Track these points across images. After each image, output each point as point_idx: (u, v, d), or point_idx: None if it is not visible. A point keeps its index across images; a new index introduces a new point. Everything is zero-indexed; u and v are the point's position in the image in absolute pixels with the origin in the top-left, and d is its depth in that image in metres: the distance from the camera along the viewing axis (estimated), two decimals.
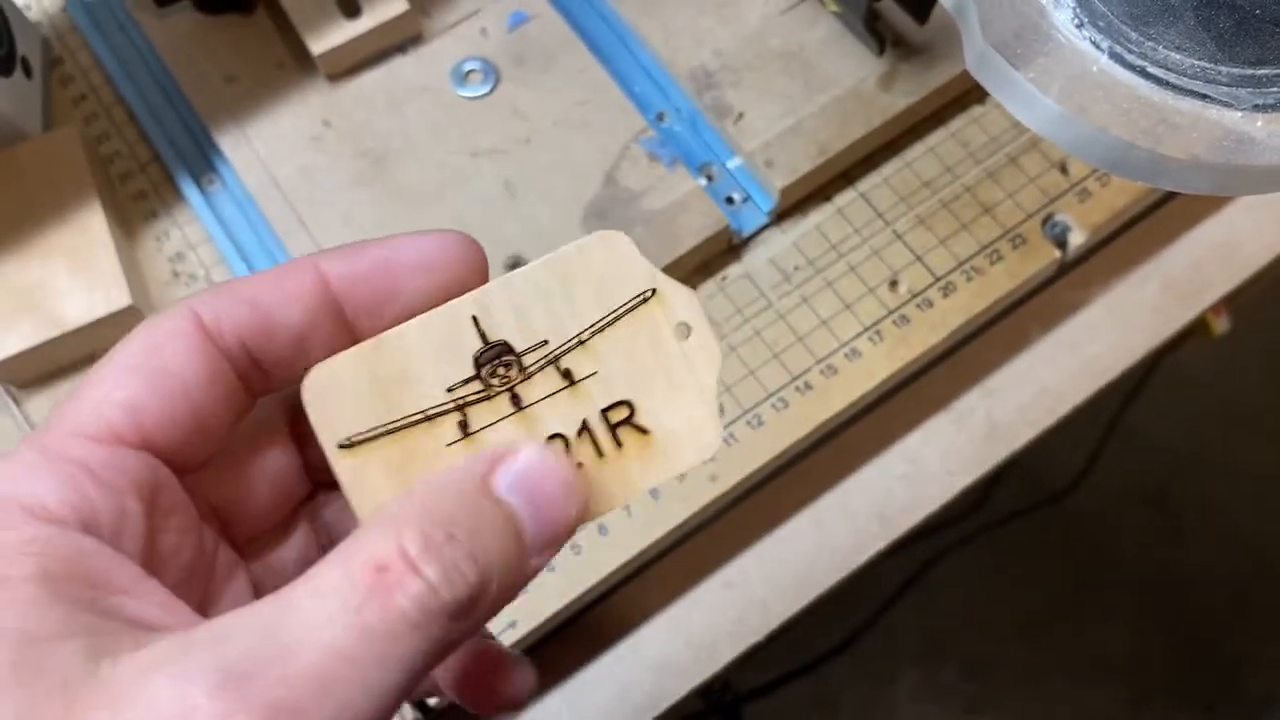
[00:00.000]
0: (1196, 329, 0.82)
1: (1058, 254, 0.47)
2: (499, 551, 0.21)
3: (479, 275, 0.24)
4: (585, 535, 0.43)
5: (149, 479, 0.22)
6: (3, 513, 0.20)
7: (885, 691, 1.18)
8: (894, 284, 0.46)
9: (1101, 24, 0.29)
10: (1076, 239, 0.47)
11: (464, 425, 0.24)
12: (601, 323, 0.24)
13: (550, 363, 0.24)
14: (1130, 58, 0.29)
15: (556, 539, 0.22)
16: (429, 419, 0.24)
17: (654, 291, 0.24)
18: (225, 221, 0.47)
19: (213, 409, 0.23)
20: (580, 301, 0.24)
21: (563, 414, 0.24)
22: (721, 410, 0.44)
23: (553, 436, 0.24)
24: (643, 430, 0.24)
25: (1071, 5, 0.29)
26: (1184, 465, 1.26)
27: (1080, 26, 0.29)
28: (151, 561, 0.22)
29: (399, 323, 0.24)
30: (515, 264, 0.45)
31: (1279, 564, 1.22)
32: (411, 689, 0.19)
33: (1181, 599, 1.21)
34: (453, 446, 0.24)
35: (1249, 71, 0.29)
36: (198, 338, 0.22)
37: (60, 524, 0.20)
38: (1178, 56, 0.29)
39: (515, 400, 0.24)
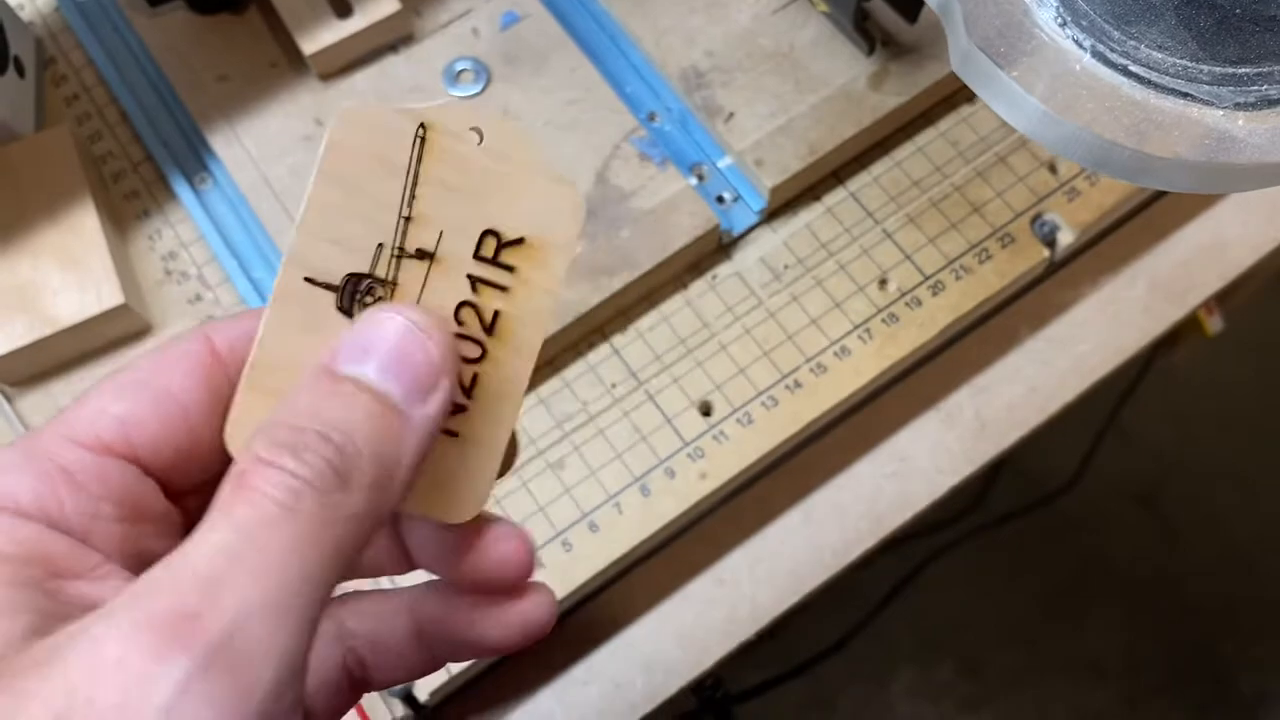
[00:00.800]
0: (1191, 329, 0.82)
1: (1046, 253, 0.47)
2: (356, 420, 0.21)
3: None
4: (575, 533, 0.43)
5: (130, 489, 0.22)
6: None
7: (880, 692, 1.18)
8: (883, 283, 0.46)
9: (1084, 23, 0.30)
10: (1065, 238, 0.47)
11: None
12: (406, 189, 0.23)
13: (399, 256, 0.23)
14: (1113, 56, 0.29)
15: (430, 380, 0.22)
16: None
17: (424, 126, 0.23)
18: (217, 220, 0.47)
19: (211, 433, 0.23)
20: (375, 188, 0.23)
21: (447, 287, 0.24)
22: (702, 407, 0.44)
23: (458, 309, 0.24)
24: (517, 241, 0.24)
25: (1054, 4, 0.30)
26: (1177, 467, 1.26)
27: (1063, 25, 0.30)
28: (132, 562, 0.22)
29: None
30: None
31: (1271, 565, 1.22)
32: (323, 576, 0.19)
33: (1174, 599, 1.21)
34: None
35: (1230, 70, 0.29)
36: (207, 363, 0.23)
37: (25, 517, 0.21)
38: (1159, 55, 0.29)
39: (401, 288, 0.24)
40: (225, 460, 0.24)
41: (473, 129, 0.23)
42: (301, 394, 0.21)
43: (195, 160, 0.48)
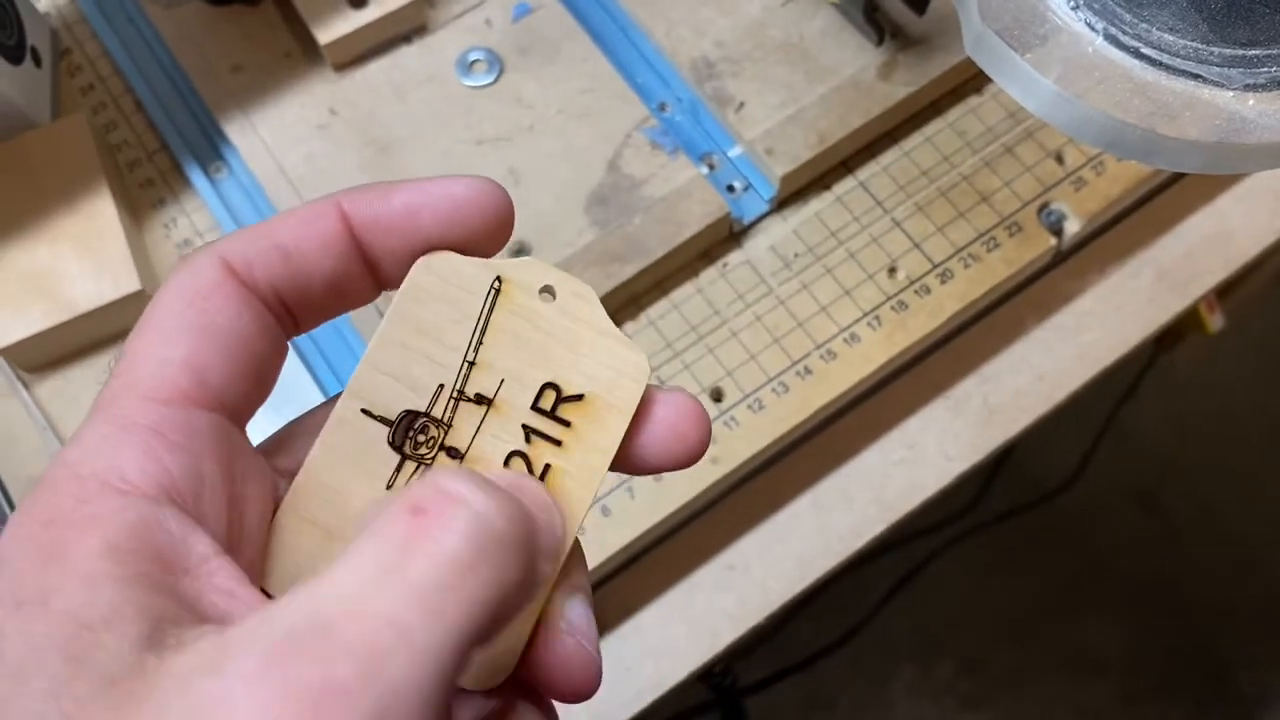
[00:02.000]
0: (1192, 325, 0.83)
1: (1053, 241, 0.47)
2: (540, 501, 0.20)
3: (506, 226, 0.23)
4: (587, 518, 0.44)
5: (225, 440, 0.21)
6: (78, 486, 0.19)
7: (881, 689, 1.19)
8: (892, 271, 0.47)
9: (1096, 6, 0.30)
10: (1072, 227, 0.48)
11: None
12: (474, 336, 0.23)
13: (458, 399, 0.23)
14: (1125, 39, 0.30)
15: (558, 550, 0.22)
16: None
17: (499, 279, 0.23)
18: (232, 208, 0.48)
19: (265, 356, 0.22)
20: (444, 332, 0.23)
21: (501, 434, 0.23)
22: (714, 393, 0.44)
23: (509, 459, 0.23)
24: (577, 397, 0.23)
25: None
26: (1176, 465, 1.27)
27: (1076, 9, 0.30)
28: (235, 533, 0.21)
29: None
30: (520, 251, 0.45)
31: (1270, 563, 1.23)
32: (473, 652, 0.17)
33: (1174, 598, 1.22)
34: None
35: (1240, 52, 0.29)
36: (236, 285, 0.21)
37: (141, 495, 0.19)
38: (1171, 38, 0.30)
39: (452, 453, 0.23)
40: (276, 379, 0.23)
41: (545, 287, 0.24)
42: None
43: (210, 149, 0.49)
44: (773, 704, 1.05)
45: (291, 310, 0.22)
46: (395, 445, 0.23)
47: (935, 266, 0.47)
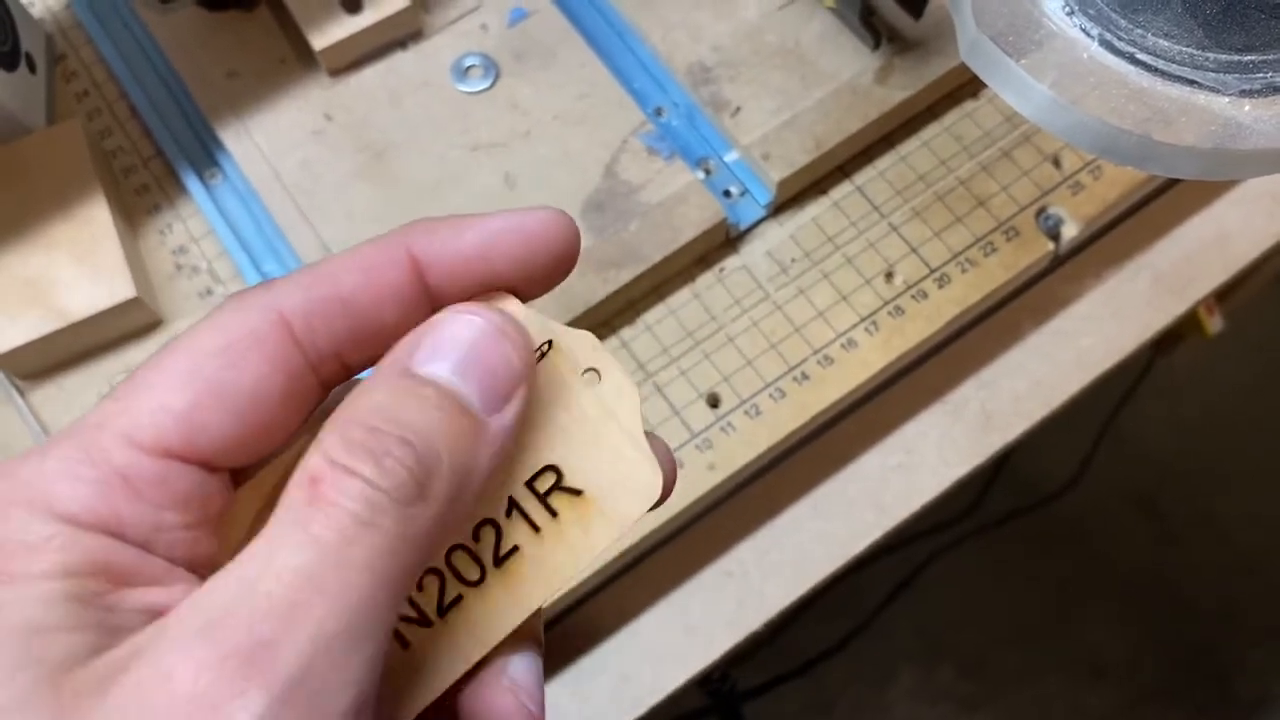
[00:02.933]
0: (1192, 328, 0.83)
1: (1051, 246, 0.47)
2: (439, 423, 0.19)
3: (573, 259, 0.23)
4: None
5: (197, 491, 0.20)
6: (29, 511, 0.19)
7: (881, 692, 1.18)
8: (890, 276, 0.47)
9: (1091, 11, 0.30)
10: (1069, 231, 0.48)
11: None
12: None
13: None
14: (1120, 45, 0.30)
15: (509, 389, 0.21)
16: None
17: (550, 344, 0.22)
18: (228, 214, 0.48)
19: (285, 420, 0.21)
20: None
21: (487, 500, 0.22)
22: (710, 399, 0.44)
23: (480, 526, 0.22)
24: (575, 491, 0.22)
25: None
26: (1176, 468, 1.27)
27: (1071, 14, 0.30)
28: (201, 567, 0.20)
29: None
30: None
31: (1270, 567, 1.22)
32: (394, 598, 0.18)
33: (1174, 601, 1.22)
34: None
35: (1236, 58, 0.29)
36: (284, 346, 0.20)
37: (83, 529, 0.19)
38: (1166, 43, 0.30)
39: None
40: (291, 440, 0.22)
41: (592, 369, 0.22)
42: (375, 392, 0.20)
43: (205, 155, 0.49)
44: (771, 709, 1.05)
45: (346, 361, 0.22)
46: None
47: (932, 271, 0.47)
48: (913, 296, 0.46)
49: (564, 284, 0.23)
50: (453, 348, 0.20)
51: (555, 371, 0.22)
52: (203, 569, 0.20)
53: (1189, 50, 0.29)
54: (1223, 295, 0.57)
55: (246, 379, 0.20)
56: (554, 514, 0.22)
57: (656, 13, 0.49)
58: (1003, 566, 1.20)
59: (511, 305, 0.22)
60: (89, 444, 0.20)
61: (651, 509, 0.22)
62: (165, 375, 0.20)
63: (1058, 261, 0.50)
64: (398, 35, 0.49)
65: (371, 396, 0.20)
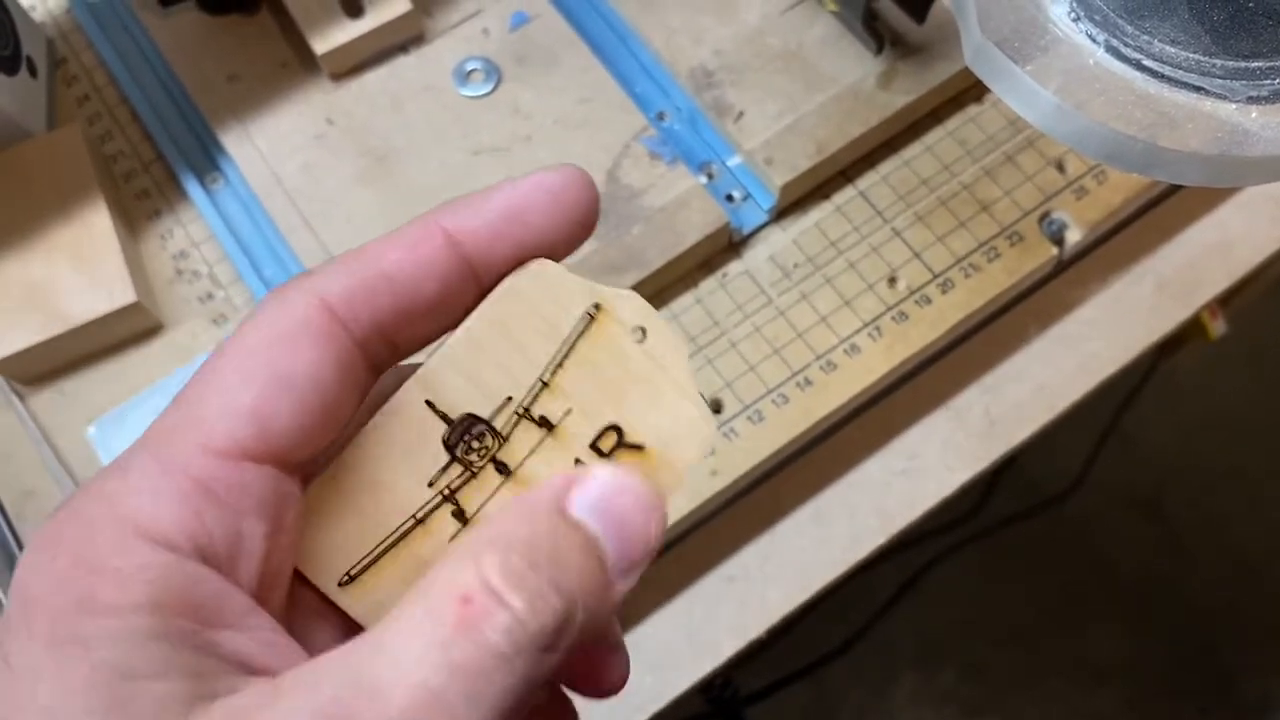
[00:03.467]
0: (1194, 332, 0.82)
1: (1055, 251, 0.47)
2: (582, 575, 0.19)
3: (596, 213, 0.23)
4: None
5: (273, 495, 0.20)
6: (118, 535, 0.19)
7: (883, 696, 1.18)
8: (893, 281, 0.47)
9: (1097, 18, 0.30)
10: (1073, 236, 0.47)
11: (459, 514, 0.23)
12: (557, 357, 0.23)
13: (522, 416, 0.23)
14: (1126, 51, 0.29)
15: (639, 560, 0.21)
16: (419, 522, 0.23)
17: (598, 306, 0.23)
18: (229, 219, 0.48)
19: (342, 404, 0.21)
20: (528, 343, 0.23)
21: (553, 462, 0.23)
22: (713, 405, 0.44)
23: None
24: (637, 447, 0.23)
25: None
26: (1179, 471, 1.27)
27: (1076, 20, 0.30)
28: (268, 584, 0.21)
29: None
30: None
31: (1273, 570, 1.22)
32: None
33: (1177, 604, 1.22)
34: (456, 539, 0.23)
35: (1243, 64, 0.29)
36: (330, 328, 0.21)
37: (175, 550, 0.19)
38: (1172, 50, 0.29)
39: (501, 468, 0.23)
40: (349, 433, 0.22)
41: (639, 327, 0.23)
42: (531, 525, 0.20)
43: (206, 159, 0.49)
44: (773, 713, 1.05)
45: (393, 340, 0.22)
46: (449, 445, 0.23)
47: (936, 276, 0.46)
48: (916, 301, 0.46)
49: None
50: (606, 501, 0.20)
51: (606, 333, 0.23)
52: (279, 590, 0.21)
53: (1196, 56, 0.29)
54: (1226, 299, 0.56)
55: (301, 366, 0.20)
56: None
57: (659, 16, 0.49)
58: (1005, 569, 1.20)
59: (558, 269, 0.23)
60: (165, 457, 0.20)
61: (708, 456, 0.23)
62: (224, 377, 0.20)
63: (1061, 266, 0.50)
64: (399, 39, 0.49)
65: (528, 527, 0.20)
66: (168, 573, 0.18)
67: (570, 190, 0.22)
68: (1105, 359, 0.50)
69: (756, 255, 0.47)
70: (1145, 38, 0.29)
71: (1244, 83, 0.29)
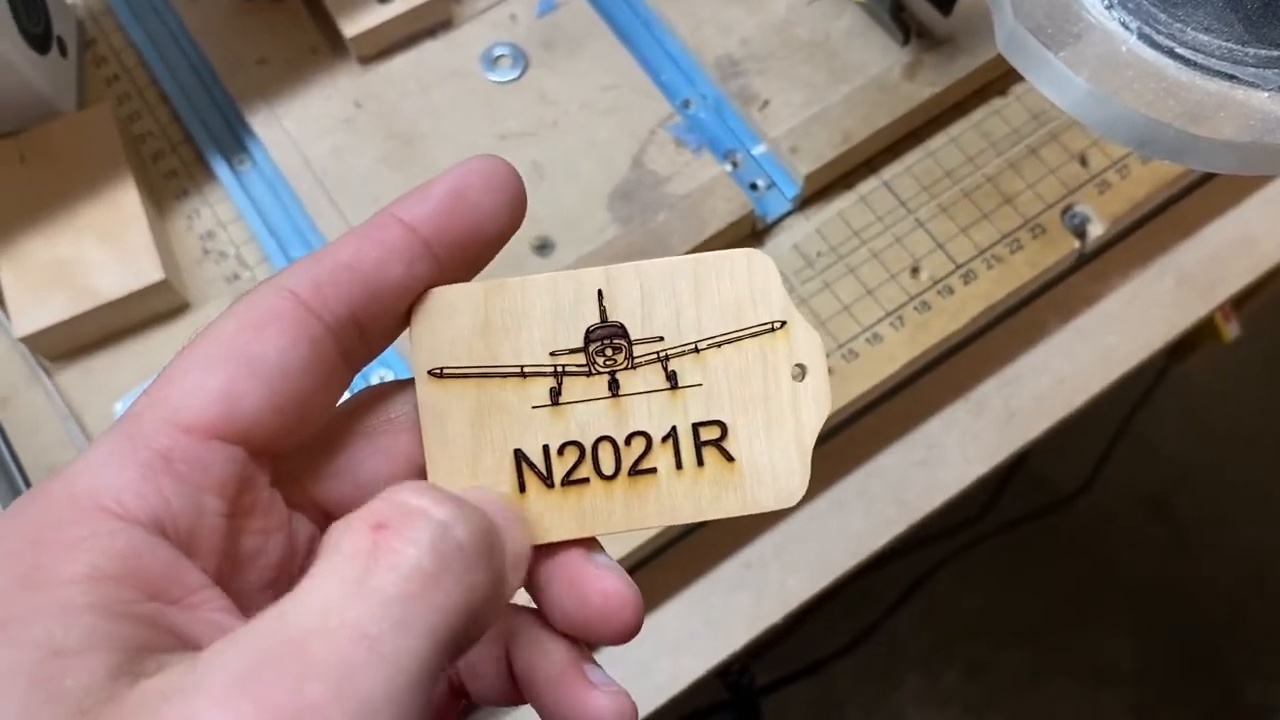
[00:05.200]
0: (1208, 335, 0.82)
1: (1077, 244, 0.47)
2: (500, 506, 0.20)
3: (524, 196, 0.23)
4: None
5: (234, 476, 0.20)
6: (72, 508, 0.19)
7: (889, 695, 1.18)
8: (915, 271, 0.47)
9: (1130, 5, 0.30)
10: (1095, 230, 0.47)
11: (555, 393, 0.23)
12: (722, 337, 0.23)
13: (660, 360, 0.23)
14: (1159, 39, 0.30)
15: (522, 558, 0.21)
16: (524, 375, 0.23)
17: (783, 324, 0.23)
18: (256, 200, 0.48)
19: (314, 393, 0.21)
20: (708, 309, 0.23)
21: (655, 414, 0.23)
22: None
23: (635, 434, 0.23)
24: (729, 456, 0.23)
25: None
26: (1189, 475, 1.26)
27: (1110, 8, 0.30)
28: (228, 566, 0.20)
29: (481, 258, 0.23)
30: (542, 245, 0.45)
31: None
32: (443, 666, 0.17)
33: (1184, 607, 1.21)
34: (538, 410, 0.23)
35: (1275, 53, 0.29)
36: (300, 316, 0.21)
37: (129, 520, 0.19)
38: (1205, 38, 0.30)
39: (613, 385, 0.23)
40: (325, 425, 0.22)
41: (803, 365, 0.23)
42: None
43: (234, 141, 0.49)
44: (781, 709, 1.05)
45: (365, 329, 0.22)
46: (589, 335, 0.23)
47: (958, 267, 0.47)
48: (938, 292, 0.46)
49: None
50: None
51: (772, 349, 0.23)
52: (228, 584, 0.20)
53: (1228, 45, 0.29)
54: (1240, 302, 0.57)
55: (271, 350, 0.20)
56: (700, 464, 0.23)
57: (686, 5, 0.50)
58: (1012, 569, 1.20)
59: (771, 265, 0.23)
60: (131, 432, 0.20)
61: (778, 510, 0.23)
62: (194, 360, 0.20)
63: (1083, 260, 0.50)
64: (428, 24, 0.49)
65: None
66: (114, 541, 0.18)
67: (497, 173, 0.23)
68: (1125, 353, 0.50)
69: (780, 244, 0.47)
70: (1178, 26, 0.30)
71: (1276, 71, 0.29)
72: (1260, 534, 1.23)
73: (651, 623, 0.47)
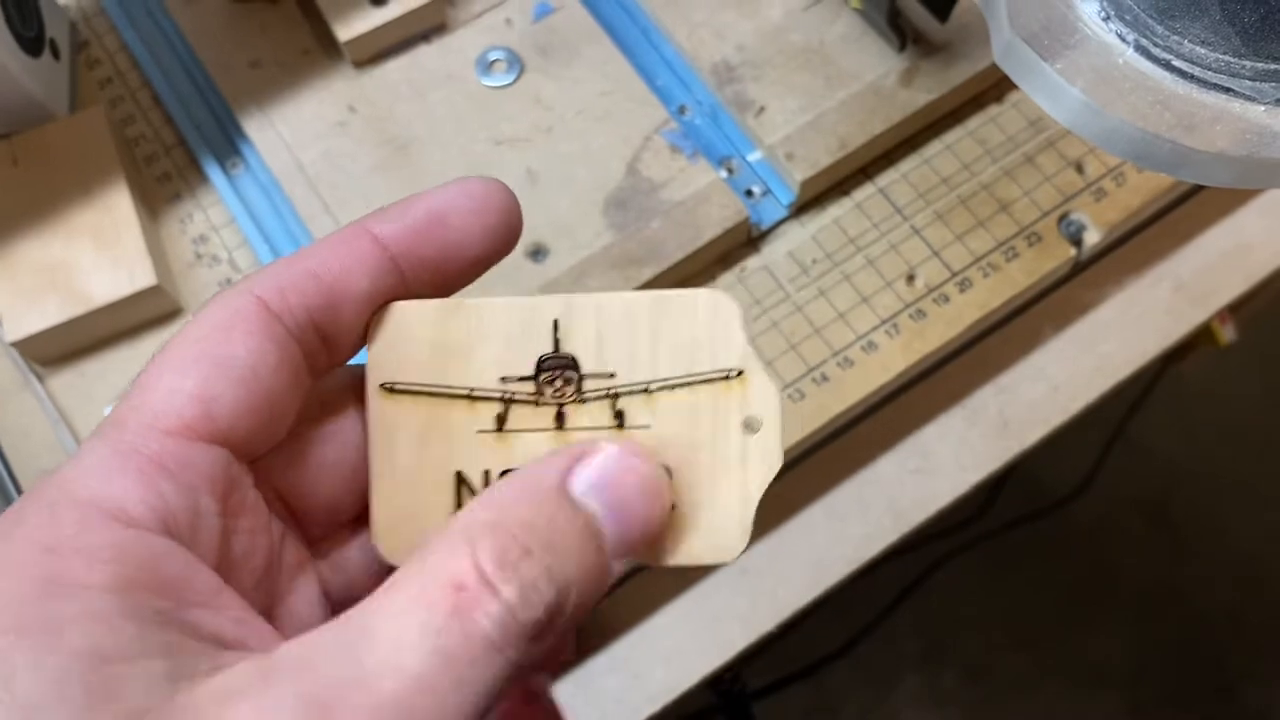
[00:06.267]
0: (1204, 338, 0.82)
1: (1073, 252, 0.47)
2: (577, 563, 0.20)
3: (519, 226, 0.24)
4: None
5: (222, 475, 0.21)
6: (80, 515, 0.19)
7: (885, 697, 1.18)
8: (911, 278, 0.47)
9: (1128, 17, 0.30)
10: (1091, 237, 0.47)
11: (501, 419, 0.23)
12: (674, 381, 0.23)
13: (609, 397, 0.23)
14: (1156, 51, 0.29)
15: (637, 544, 0.21)
16: (472, 399, 0.23)
17: (740, 373, 0.23)
18: (249, 205, 0.48)
19: (282, 393, 0.21)
20: (664, 350, 0.23)
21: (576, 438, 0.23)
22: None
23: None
24: (670, 506, 0.23)
25: None
26: (1185, 477, 1.26)
27: (1107, 19, 0.30)
28: (225, 566, 0.21)
29: (456, 279, 0.23)
30: (536, 251, 0.45)
31: (1278, 577, 1.22)
32: (484, 715, 0.18)
33: (1181, 610, 1.21)
34: (483, 435, 0.23)
35: (1273, 66, 0.29)
36: (264, 318, 0.21)
37: (140, 528, 0.19)
38: (1203, 50, 0.29)
39: (559, 418, 0.23)
40: (296, 423, 0.23)
41: (756, 418, 0.23)
42: (530, 505, 0.20)
43: (228, 144, 0.49)
44: (776, 712, 1.05)
45: (326, 337, 0.22)
46: (540, 364, 0.23)
47: (954, 275, 0.47)
48: (934, 300, 0.46)
49: (584, 281, 0.24)
50: (609, 482, 0.21)
51: (726, 398, 0.23)
52: (235, 579, 0.20)
53: (1226, 58, 0.29)
54: (1236, 305, 0.57)
55: (240, 351, 0.21)
56: None
57: (682, 10, 0.49)
58: (1009, 572, 1.20)
59: (736, 309, 0.23)
60: (117, 440, 0.20)
61: (714, 567, 0.23)
62: (167, 366, 0.21)
63: (1079, 267, 0.50)
64: (422, 28, 0.49)
65: (528, 508, 0.20)
66: (135, 549, 0.18)
67: (492, 198, 0.23)
68: (1120, 361, 0.50)
69: (775, 251, 0.47)
70: (1175, 38, 0.29)
71: (1274, 85, 0.29)
72: (1256, 536, 1.23)
73: (645, 630, 0.47)
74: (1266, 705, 1.19)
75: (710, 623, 0.46)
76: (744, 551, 0.23)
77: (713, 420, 0.23)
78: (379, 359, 0.23)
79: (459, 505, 0.23)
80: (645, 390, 0.23)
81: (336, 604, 0.24)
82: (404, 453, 0.23)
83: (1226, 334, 0.82)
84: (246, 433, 0.21)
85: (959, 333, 0.46)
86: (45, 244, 0.45)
